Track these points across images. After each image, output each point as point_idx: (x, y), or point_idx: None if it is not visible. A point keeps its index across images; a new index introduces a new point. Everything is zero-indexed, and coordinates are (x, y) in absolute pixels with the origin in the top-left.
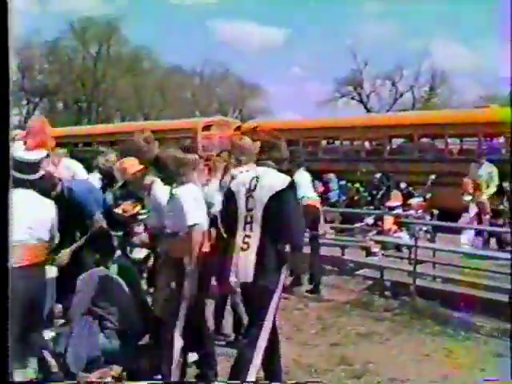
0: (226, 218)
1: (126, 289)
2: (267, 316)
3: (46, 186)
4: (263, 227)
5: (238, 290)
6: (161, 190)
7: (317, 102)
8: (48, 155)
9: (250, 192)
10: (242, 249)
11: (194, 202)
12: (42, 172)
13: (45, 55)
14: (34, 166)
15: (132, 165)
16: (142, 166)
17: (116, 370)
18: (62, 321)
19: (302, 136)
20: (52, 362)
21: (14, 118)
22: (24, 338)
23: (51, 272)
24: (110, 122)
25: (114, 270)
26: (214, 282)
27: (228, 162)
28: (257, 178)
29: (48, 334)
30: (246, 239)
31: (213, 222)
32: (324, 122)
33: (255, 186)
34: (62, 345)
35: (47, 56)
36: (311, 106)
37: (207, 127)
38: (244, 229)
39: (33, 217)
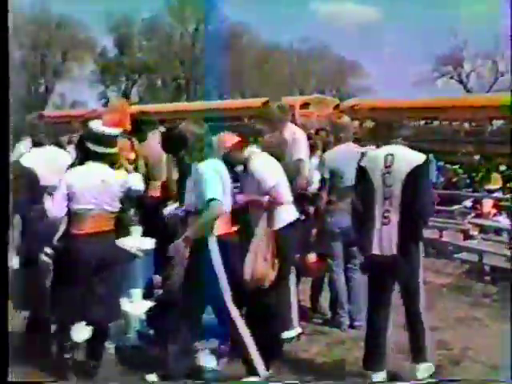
0: (361, 193)
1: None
2: (419, 290)
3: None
4: (402, 202)
5: (337, 268)
6: (260, 163)
7: (415, 81)
8: (123, 132)
9: (387, 168)
10: (383, 223)
11: (217, 177)
12: (117, 148)
13: (143, 33)
14: (111, 140)
15: (231, 138)
16: (239, 139)
17: (213, 342)
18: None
19: (401, 115)
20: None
21: (112, 94)
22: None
23: (148, 244)
24: (208, 99)
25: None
26: (313, 259)
27: (326, 140)
28: (391, 154)
29: (147, 305)
30: (386, 214)
31: (311, 199)
32: (423, 101)
33: (391, 162)
34: (160, 315)
35: (146, 33)
36: (410, 85)
37: (305, 105)
38: (383, 204)
39: (99, 188)
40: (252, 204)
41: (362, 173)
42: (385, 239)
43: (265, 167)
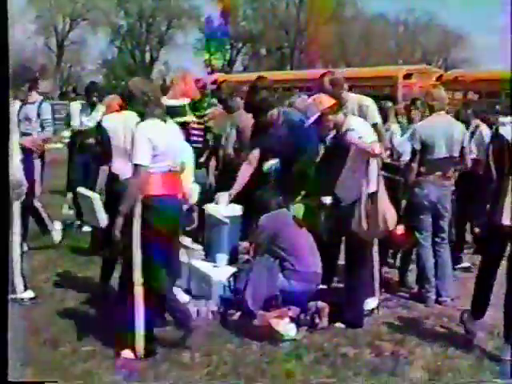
0: (497, 161)
1: (306, 232)
2: None
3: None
4: None
5: (424, 242)
6: (360, 120)
7: None
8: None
9: None
10: None
11: (145, 141)
12: (188, 117)
13: (249, 2)
14: (178, 110)
15: (328, 100)
16: (335, 101)
17: (294, 310)
18: (246, 257)
19: (505, 88)
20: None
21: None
22: None
23: (236, 210)
24: (313, 69)
25: (299, 211)
26: (401, 231)
27: (422, 110)
28: None
29: (230, 271)
30: None
31: (402, 170)
32: None
33: None
34: (242, 281)
35: (251, 3)
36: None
37: (408, 76)
38: None
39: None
40: (356, 151)
41: (500, 141)
42: None
43: (365, 124)
